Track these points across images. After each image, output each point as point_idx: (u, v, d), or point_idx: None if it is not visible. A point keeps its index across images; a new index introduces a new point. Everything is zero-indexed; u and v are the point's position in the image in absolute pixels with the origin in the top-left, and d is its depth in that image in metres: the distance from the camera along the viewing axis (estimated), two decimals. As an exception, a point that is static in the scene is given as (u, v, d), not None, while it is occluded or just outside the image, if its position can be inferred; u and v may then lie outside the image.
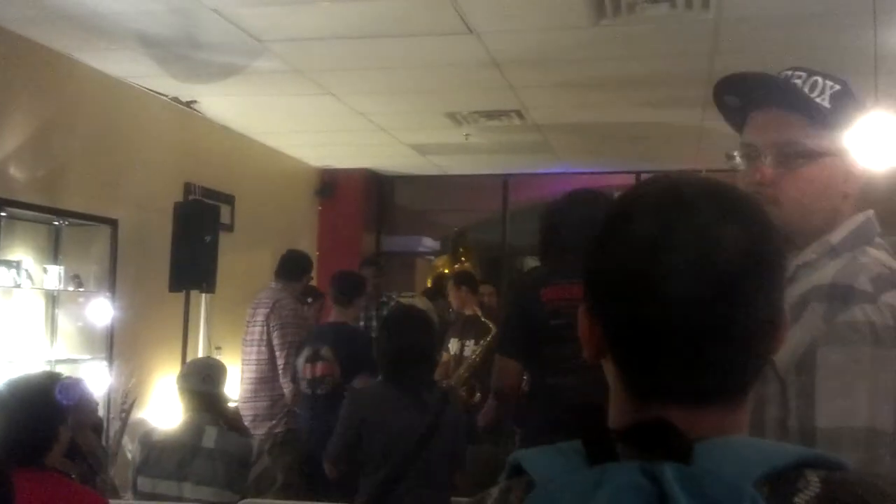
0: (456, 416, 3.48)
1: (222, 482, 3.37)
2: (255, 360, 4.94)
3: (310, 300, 6.52)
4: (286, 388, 4.84)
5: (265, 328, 4.93)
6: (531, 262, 11.28)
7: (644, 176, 8.91)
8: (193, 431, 3.49)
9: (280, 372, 4.86)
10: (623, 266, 0.81)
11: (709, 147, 7.45)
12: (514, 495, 0.82)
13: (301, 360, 4.59)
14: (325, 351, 4.49)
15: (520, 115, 6.51)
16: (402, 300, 6.19)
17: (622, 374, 0.83)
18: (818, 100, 1.48)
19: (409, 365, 3.39)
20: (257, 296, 5.18)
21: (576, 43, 4.85)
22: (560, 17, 4.44)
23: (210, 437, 3.44)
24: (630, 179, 9.01)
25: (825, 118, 1.46)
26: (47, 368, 4.89)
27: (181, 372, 3.89)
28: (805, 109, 1.47)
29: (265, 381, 4.89)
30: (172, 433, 3.61)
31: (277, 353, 4.88)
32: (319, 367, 4.43)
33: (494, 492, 0.84)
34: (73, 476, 3.01)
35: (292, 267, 5.22)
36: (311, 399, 4.54)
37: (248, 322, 5.06)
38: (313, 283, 6.27)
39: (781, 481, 0.75)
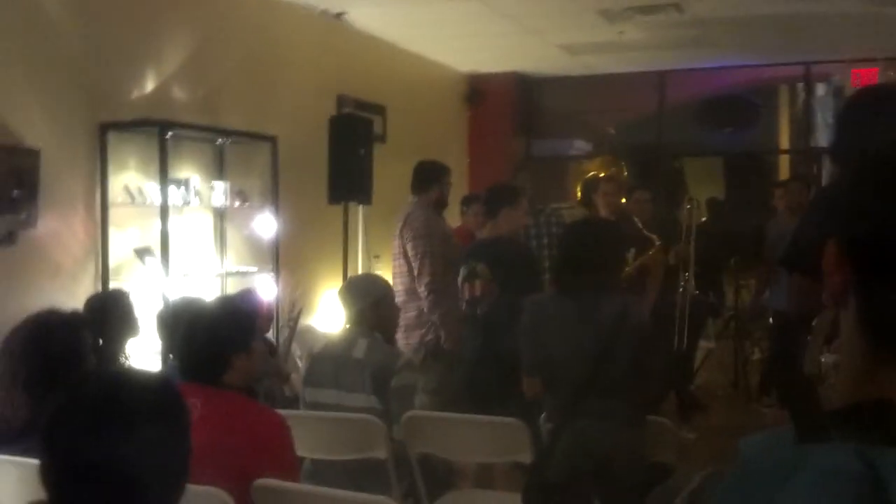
0: (637, 326, 3.34)
1: (369, 390, 3.47)
2: (400, 272, 4.99)
3: (465, 208, 6.49)
4: (423, 296, 4.87)
5: (400, 241, 4.96)
6: (689, 163, 10.88)
7: (814, 67, 8.38)
8: (348, 342, 3.61)
9: (417, 282, 4.89)
10: None
11: (885, 35, 6.86)
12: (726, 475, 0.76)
13: (459, 280, 4.59)
14: (481, 268, 4.46)
15: (678, 8, 6.16)
16: (563, 211, 6.03)
17: (867, 322, 0.74)
18: None
19: (584, 275, 3.26)
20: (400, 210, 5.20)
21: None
22: None
23: (361, 348, 3.55)
24: (798, 71, 8.47)
25: None
26: (221, 284, 5.13)
27: (342, 286, 3.99)
28: None
29: (410, 291, 4.93)
30: (331, 344, 3.75)
31: (413, 264, 4.90)
32: (478, 285, 4.40)
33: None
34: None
35: (424, 177, 5.16)
36: (472, 319, 4.55)
37: (394, 236, 5.11)
38: (463, 190, 6.22)
39: None
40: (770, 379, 6.54)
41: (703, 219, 7.46)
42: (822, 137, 8.54)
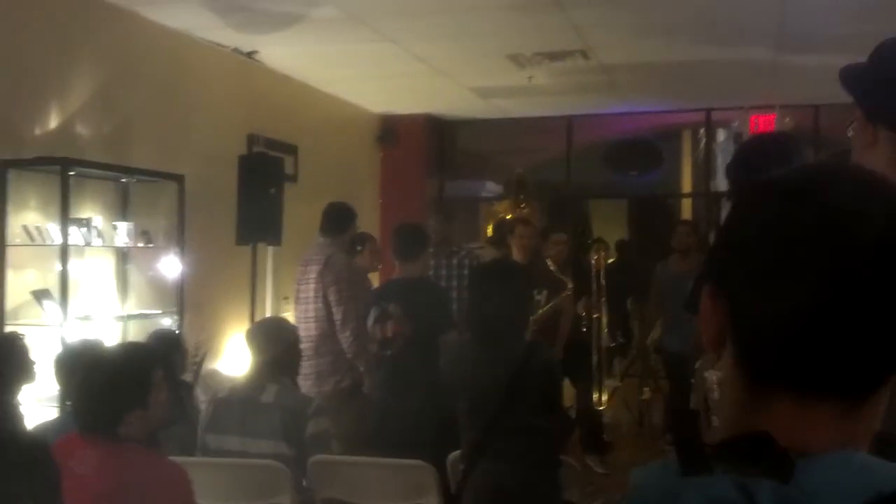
0: (546, 367, 3.36)
1: (279, 436, 3.42)
2: (313, 317, 4.86)
3: (359, 248, 6.36)
4: (346, 342, 4.78)
5: (320, 285, 4.85)
6: (596, 205, 11.13)
7: (715, 113, 8.71)
8: (255, 387, 3.55)
9: (338, 327, 4.79)
10: (814, 237, 0.74)
11: (782, 83, 7.19)
12: None
13: (370, 321, 4.55)
14: (393, 308, 4.43)
15: (584, 55, 6.34)
16: (477, 251, 6.06)
17: (741, 362, 0.78)
18: None
19: (492, 316, 3.26)
20: (306, 253, 5.11)
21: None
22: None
23: (270, 393, 3.49)
24: (700, 117, 8.78)
25: None
26: (123, 327, 5.00)
27: (249, 330, 3.93)
28: None
29: (325, 337, 4.82)
30: (237, 389, 3.67)
31: (334, 309, 4.79)
32: (389, 326, 4.37)
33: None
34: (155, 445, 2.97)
35: (337, 220, 5.10)
36: (383, 360, 4.52)
37: (300, 280, 5.00)
38: (367, 230, 6.07)
39: None
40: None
41: (611, 260, 7.64)
42: (723, 181, 8.84)
